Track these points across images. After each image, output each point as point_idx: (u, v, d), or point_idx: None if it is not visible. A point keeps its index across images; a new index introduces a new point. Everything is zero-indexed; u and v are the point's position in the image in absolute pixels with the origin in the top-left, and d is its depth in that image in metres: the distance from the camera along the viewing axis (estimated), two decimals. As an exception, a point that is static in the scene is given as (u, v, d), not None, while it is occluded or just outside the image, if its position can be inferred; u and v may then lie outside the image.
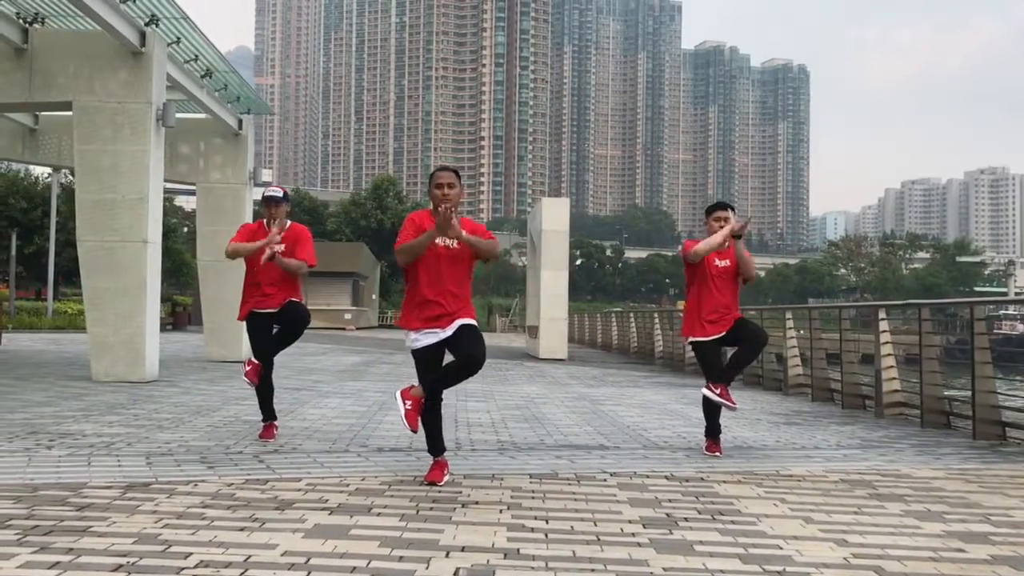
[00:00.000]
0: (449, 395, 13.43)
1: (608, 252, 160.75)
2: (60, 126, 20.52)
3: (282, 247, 8.14)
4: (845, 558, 4.58)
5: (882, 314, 12.08)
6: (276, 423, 8.48)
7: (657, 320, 26.40)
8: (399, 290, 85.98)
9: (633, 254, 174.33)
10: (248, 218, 20.62)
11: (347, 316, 54.98)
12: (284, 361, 20.39)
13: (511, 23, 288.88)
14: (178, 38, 15.58)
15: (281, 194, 8.40)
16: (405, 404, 6.22)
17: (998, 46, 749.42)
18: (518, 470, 6.98)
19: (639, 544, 4.74)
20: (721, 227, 8.21)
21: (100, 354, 14.28)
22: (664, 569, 4.29)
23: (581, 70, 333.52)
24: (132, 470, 6.52)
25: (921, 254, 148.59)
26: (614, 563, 4.37)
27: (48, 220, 41.50)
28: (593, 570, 4.25)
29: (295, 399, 11.98)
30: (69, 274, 51.85)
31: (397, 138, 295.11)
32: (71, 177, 50.99)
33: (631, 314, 32.85)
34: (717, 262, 8.24)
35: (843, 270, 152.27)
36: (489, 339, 48.91)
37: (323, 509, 5.36)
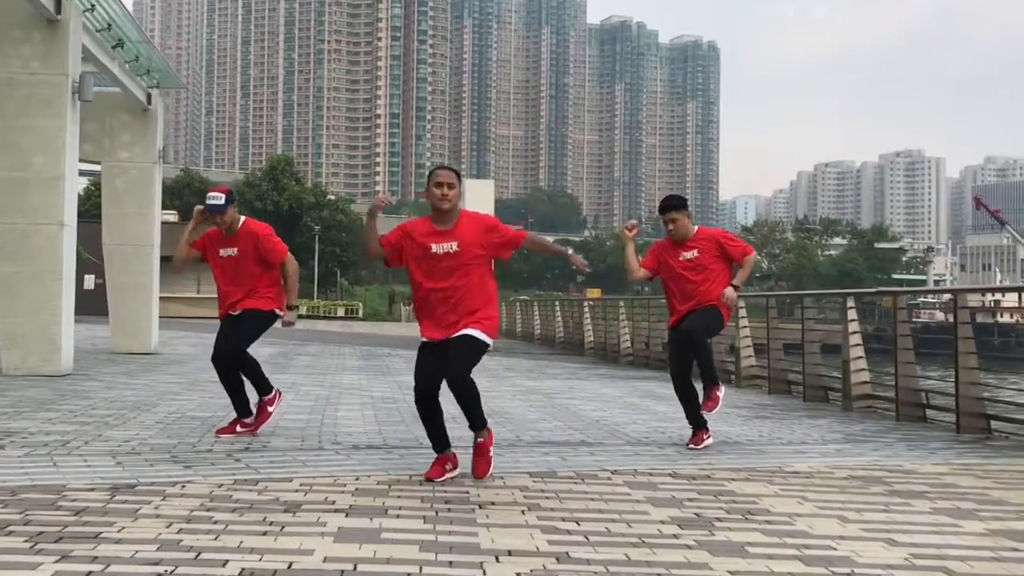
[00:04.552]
0: (392, 388, 13.42)
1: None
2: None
3: (233, 251, 7.98)
4: (906, 559, 4.64)
5: (851, 303, 12.30)
6: (243, 421, 8.26)
7: (587, 310, 26.51)
8: (302, 277, 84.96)
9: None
10: (157, 199, 20.22)
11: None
12: (197, 352, 20.07)
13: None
14: (92, 5, 15.14)
15: (222, 201, 7.82)
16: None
17: (920, 23, 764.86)
18: (514, 469, 7.00)
19: (688, 546, 4.75)
20: (670, 230, 8.29)
21: (11, 345, 13.84)
22: (729, 573, 4.31)
23: (482, 45, 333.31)
24: (105, 471, 6.36)
25: (837, 240, 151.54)
26: (676, 567, 4.38)
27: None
28: (659, 575, 4.26)
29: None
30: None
31: (287, 115, 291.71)
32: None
33: (556, 302, 32.98)
34: (682, 255, 8.25)
35: (757, 256, 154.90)
36: (395, 329, 48.46)
37: (335, 511, 5.29)
